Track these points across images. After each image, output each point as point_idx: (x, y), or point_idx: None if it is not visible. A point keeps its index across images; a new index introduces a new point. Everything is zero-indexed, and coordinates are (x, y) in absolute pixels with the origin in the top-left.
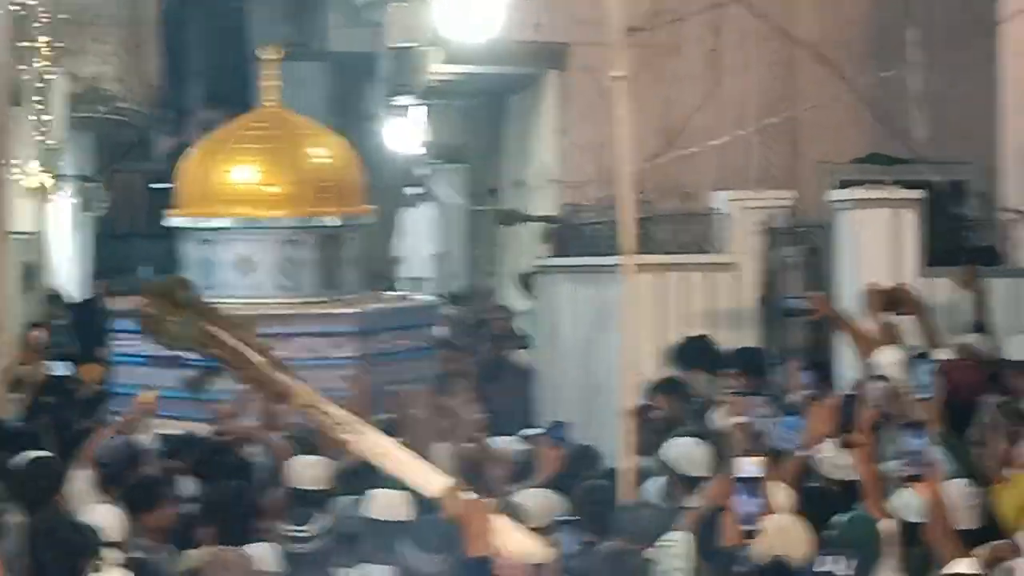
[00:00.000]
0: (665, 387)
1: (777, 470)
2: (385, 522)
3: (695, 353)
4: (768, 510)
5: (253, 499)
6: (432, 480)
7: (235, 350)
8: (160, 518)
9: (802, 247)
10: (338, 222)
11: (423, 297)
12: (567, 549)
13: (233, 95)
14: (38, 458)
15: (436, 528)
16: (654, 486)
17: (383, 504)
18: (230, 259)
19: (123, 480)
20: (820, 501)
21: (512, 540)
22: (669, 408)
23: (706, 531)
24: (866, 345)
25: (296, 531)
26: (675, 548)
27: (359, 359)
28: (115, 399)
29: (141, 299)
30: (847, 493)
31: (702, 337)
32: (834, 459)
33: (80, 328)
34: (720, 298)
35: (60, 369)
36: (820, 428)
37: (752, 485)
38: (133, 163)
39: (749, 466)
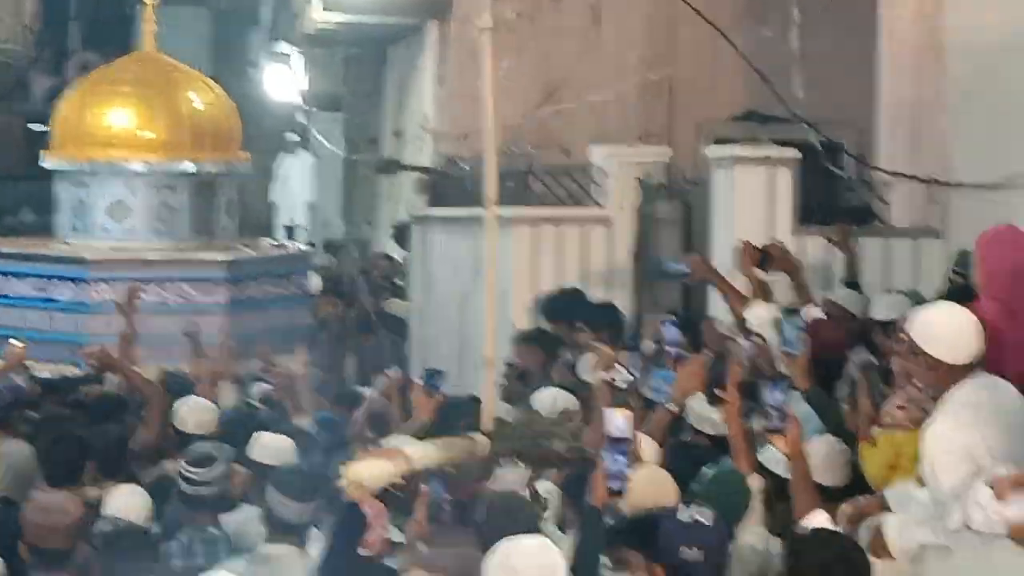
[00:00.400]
0: (532, 338)
1: (646, 423)
2: (261, 464)
3: (566, 306)
4: (636, 467)
5: (126, 439)
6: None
7: None
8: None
9: (678, 203)
10: (214, 168)
11: (298, 246)
12: (433, 497)
13: (113, 38)
14: None
15: (300, 475)
16: None
17: (263, 446)
18: (104, 203)
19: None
20: (688, 455)
21: (361, 469)
22: (536, 360)
23: (574, 484)
24: (738, 302)
25: (194, 473)
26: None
27: (229, 306)
28: None
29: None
30: (716, 448)
31: (574, 290)
32: (703, 413)
33: None
34: (595, 253)
35: None
36: (689, 383)
37: (620, 443)
38: (11, 104)
39: (618, 424)
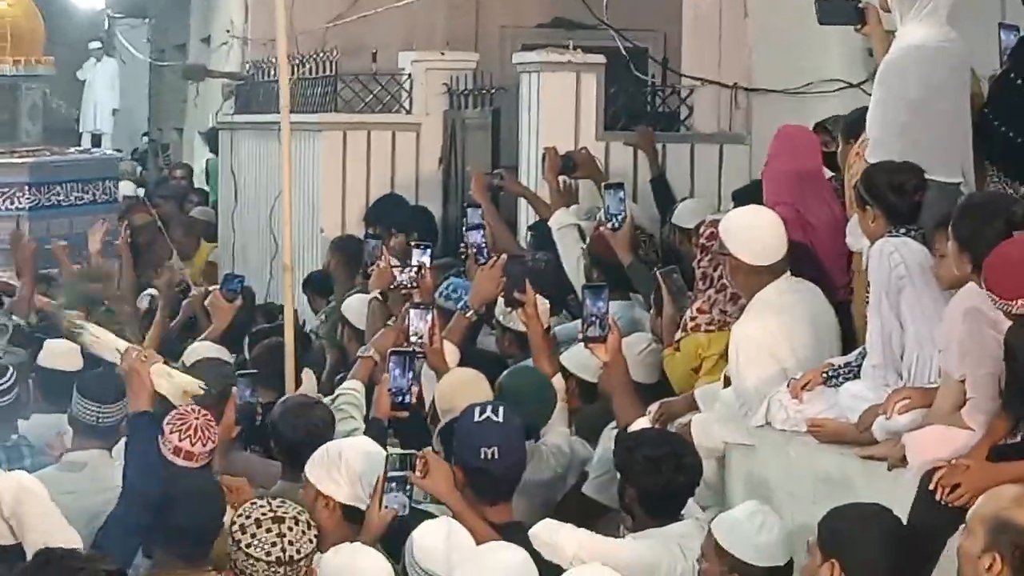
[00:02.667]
0: (340, 245)
1: (445, 330)
2: (54, 371)
3: (383, 211)
4: (436, 335)
5: None
6: (117, 345)
7: None
8: None
9: (486, 110)
10: (14, 71)
11: (105, 152)
12: (240, 400)
13: None
14: None
15: (103, 378)
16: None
17: (52, 354)
18: None
19: None
20: (487, 360)
21: (168, 384)
22: (343, 266)
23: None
24: (543, 208)
25: None
26: (349, 396)
27: (32, 211)
28: None
29: None
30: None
31: (392, 195)
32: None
33: None
34: (403, 160)
35: None
36: (485, 287)
37: (402, 357)
38: None
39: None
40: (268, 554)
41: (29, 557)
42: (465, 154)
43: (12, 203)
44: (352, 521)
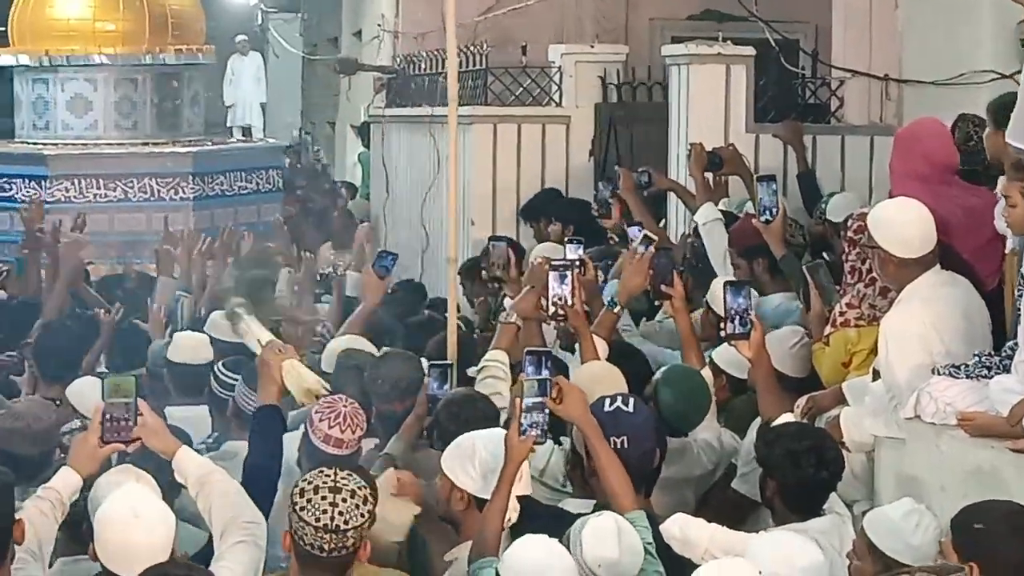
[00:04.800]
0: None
1: (594, 324)
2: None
3: (541, 204)
4: (577, 296)
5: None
6: (261, 336)
7: None
8: None
9: (636, 103)
10: (176, 60)
11: (268, 141)
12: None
13: None
14: None
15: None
16: None
17: (181, 348)
18: (65, 98)
19: None
20: (635, 355)
21: (297, 382)
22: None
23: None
24: (691, 202)
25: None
26: (494, 369)
27: (196, 200)
28: None
29: None
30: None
31: (550, 190)
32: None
33: None
34: (553, 152)
35: None
36: (633, 281)
37: (564, 270)
38: None
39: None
40: (318, 520)
41: (216, 535)
42: (619, 146)
43: (177, 193)
44: None
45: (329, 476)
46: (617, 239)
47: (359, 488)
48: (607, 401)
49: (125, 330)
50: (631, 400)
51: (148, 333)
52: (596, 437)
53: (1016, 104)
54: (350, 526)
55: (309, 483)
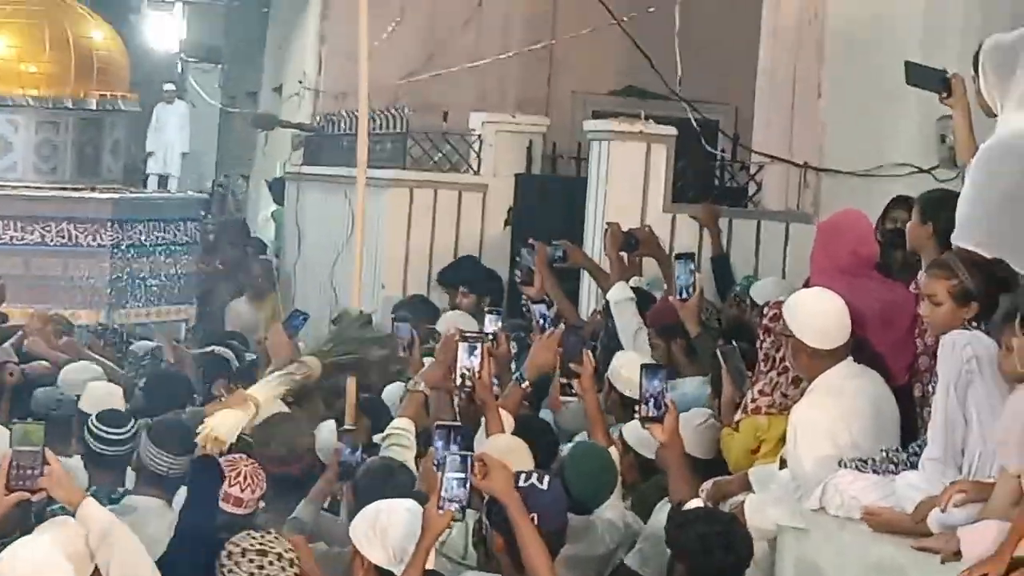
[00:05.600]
0: (411, 306)
1: (501, 398)
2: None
3: (455, 271)
4: (485, 369)
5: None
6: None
7: None
8: None
9: (556, 176)
10: (100, 106)
11: (188, 193)
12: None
13: None
14: None
15: (178, 427)
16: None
17: (95, 398)
18: None
19: None
20: (539, 429)
21: (216, 423)
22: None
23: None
24: (604, 280)
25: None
26: (398, 437)
27: (113, 248)
28: None
29: None
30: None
31: (468, 257)
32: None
33: None
34: (469, 219)
35: None
36: (542, 358)
37: (474, 342)
38: None
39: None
40: None
41: None
42: (536, 217)
43: (95, 239)
44: None
45: (256, 539)
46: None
47: (285, 551)
48: (522, 476)
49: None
50: (545, 477)
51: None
52: (519, 513)
53: (958, 205)
54: None
55: (236, 546)
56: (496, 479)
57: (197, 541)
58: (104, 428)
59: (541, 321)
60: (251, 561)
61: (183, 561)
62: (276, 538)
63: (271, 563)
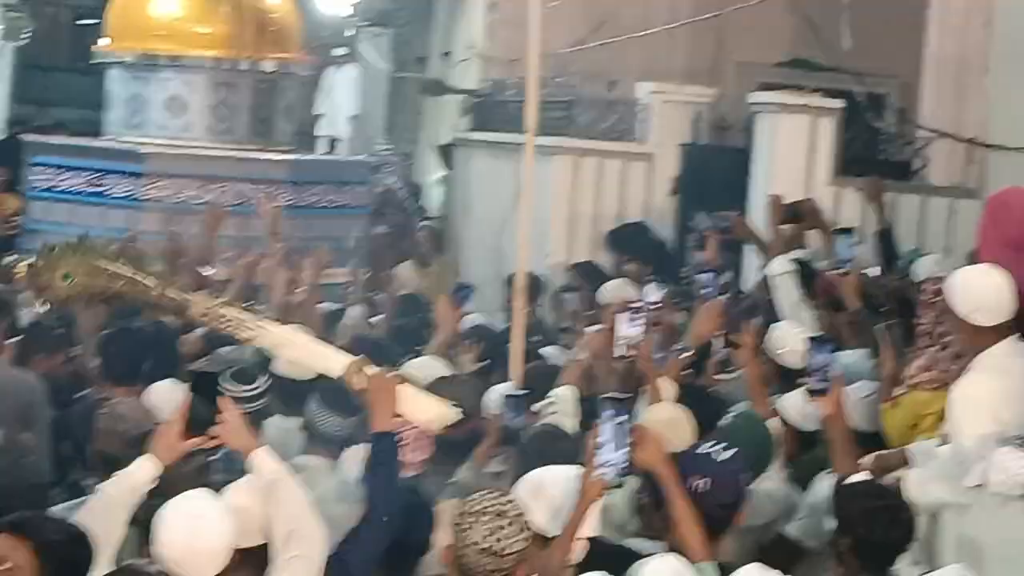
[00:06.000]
0: (582, 270)
1: (665, 367)
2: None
3: (625, 238)
4: (648, 336)
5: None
6: (335, 360)
7: (131, 279)
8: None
9: (721, 146)
10: (274, 68)
11: (358, 156)
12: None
13: None
14: None
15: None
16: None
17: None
18: (161, 98)
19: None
20: (705, 398)
21: (417, 407)
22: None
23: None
24: (767, 254)
25: (245, 390)
26: (561, 403)
27: (289, 209)
28: (32, 235)
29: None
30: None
31: (638, 224)
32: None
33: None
34: (634, 188)
35: None
36: (704, 326)
37: (636, 312)
38: None
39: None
40: (480, 543)
41: (277, 542)
42: (699, 188)
43: (273, 200)
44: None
45: (496, 500)
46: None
47: (520, 515)
48: (703, 446)
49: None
50: (729, 450)
51: None
52: (673, 484)
53: None
54: (511, 551)
55: (475, 505)
56: (648, 450)
57: (389, 520)
58: (235, 385)
59: (707, 290)
60: (488, 522)
61: (375, 541)
62: (511, 501)
63: (508, 525)
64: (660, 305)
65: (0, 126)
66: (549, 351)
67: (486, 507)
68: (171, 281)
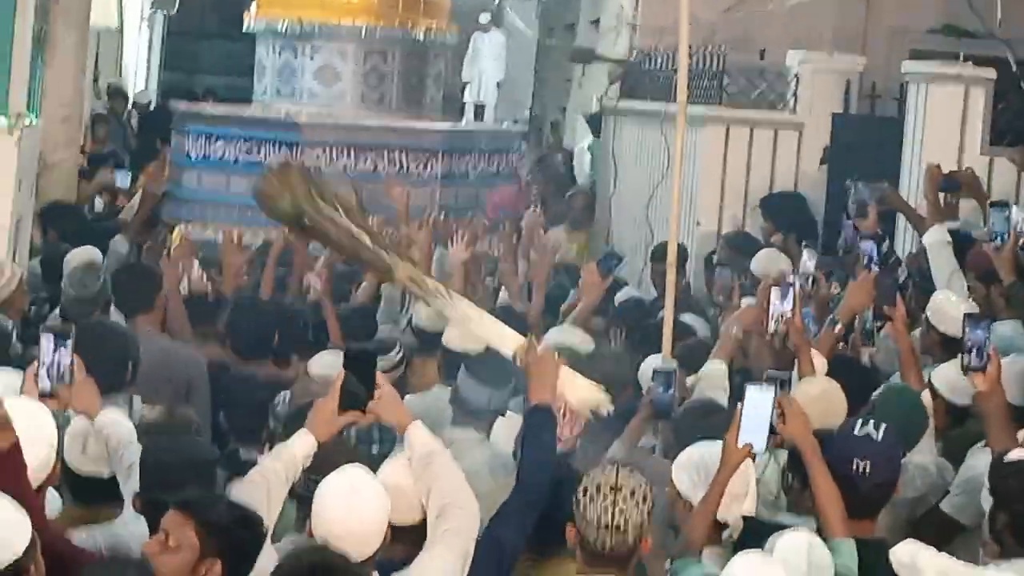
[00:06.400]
0: (734, 241)
1: (815, 340)
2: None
3: (778, 208)
4: (797, 313)
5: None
6: (508, 337)
7: (346, 229)
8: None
9: (872, 116)
10: (425, 36)
11: (507, 124)
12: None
13: None
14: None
15: (494, 362)
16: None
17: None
18: (313, 67)
19: None
20: (853, 371)
21: (572, 388)
22: (734, 262)
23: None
24: (920, 223)
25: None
26: (713, 377)
27: (444, 179)
28: (184, 204)
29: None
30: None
31: (795, 196)
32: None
33: (145, 129)
34: (784, 157)
35: (120, 179)
36: (857, 299)
37: (786, 289)
38: None
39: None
40: (599, 519)
41: (430, 516)
42: (850, 158)
43: (426, 168)
44: None
45: (611, 475)
46: (846, 252)
47: (639, 486)
48: (858, 423)
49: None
50: (883, 427)
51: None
52: (815, 460)
53: None
54: (630, 524)
55: (592, 481)
56: (793, 424)
57: (540, 493)
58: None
59: (869, 259)
60: (605, 497)
61: (527, 511)
62: (631, 472)
63: (624, 499)
64: (814, 276)
65: (152, 94)
66: (689, 319)
67: (600, 483)
68: (383, 242)
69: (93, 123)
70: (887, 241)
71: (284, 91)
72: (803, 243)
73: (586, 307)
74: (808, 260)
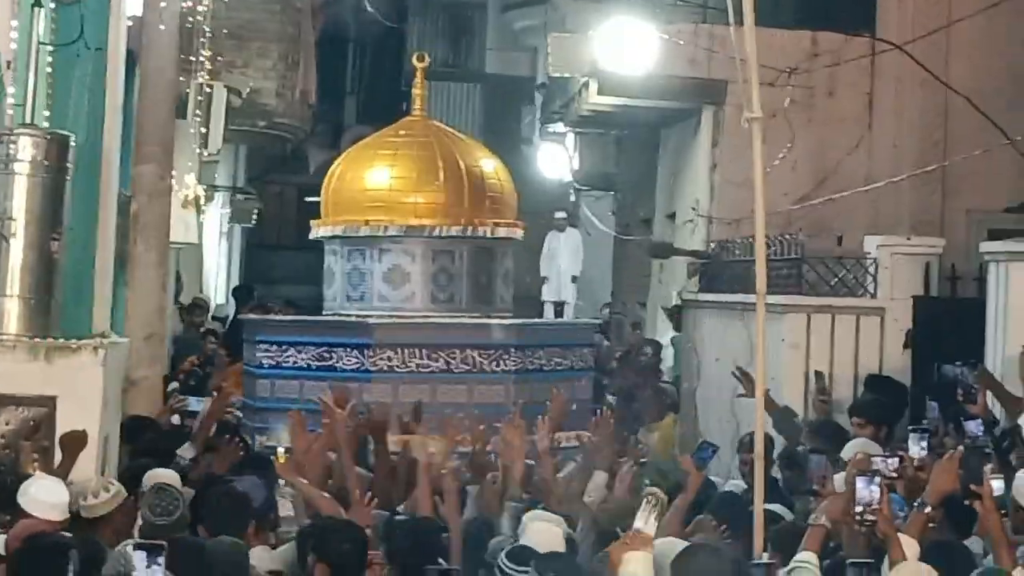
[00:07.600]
0: (819, 428)
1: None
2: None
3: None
4: (885, 499)
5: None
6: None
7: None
8: None
9: (955, 297)
10: (492, 235)
11: (581, 319)
12: None
13: (388, 113)
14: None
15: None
16: None
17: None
18: (381, 270)
19: None
20: (948, 555)
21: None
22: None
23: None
24: (1011, 404)
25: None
26: (804, 569)
27: (517, 374)
28: (259, 414)
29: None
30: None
31: (900, 386)
32: None
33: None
34: (867, 342)
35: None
36: (943, 481)
37: (872, 476)
38: (288, 177)
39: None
40: None
41: None
42: (934, 340)
43: (499, 365)
44: None
45: None
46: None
47: None
48: None
49: None
50: None
51: None
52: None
53: None
54: None
55: None
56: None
57: None
58: (512, 567)
59: (975, 438)
60: None
61: None
62: None
63: None
64: (904, 464)
65: (231, 307)
66: (778, 509)
67: None
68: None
69: (176, 346)
70: (999, 423)
71: (353, 295)
72: (909, 428)
73: (685, 500)
74: (915, 439)
